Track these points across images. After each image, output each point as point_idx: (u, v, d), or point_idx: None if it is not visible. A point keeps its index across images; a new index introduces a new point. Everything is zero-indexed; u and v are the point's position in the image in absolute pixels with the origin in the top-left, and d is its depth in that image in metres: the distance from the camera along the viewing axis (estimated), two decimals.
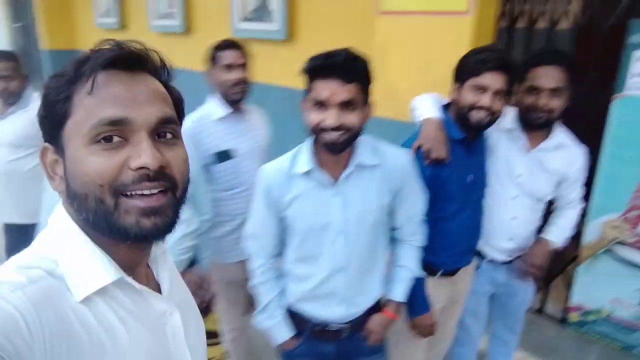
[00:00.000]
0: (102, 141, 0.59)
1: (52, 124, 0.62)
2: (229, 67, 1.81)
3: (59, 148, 0.63)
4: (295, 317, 1.49)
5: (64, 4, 6.49)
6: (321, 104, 1.22)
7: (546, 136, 1.68)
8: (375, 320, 1.48)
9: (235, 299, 2.08)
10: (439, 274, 1.68)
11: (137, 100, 0.61)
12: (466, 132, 1.56)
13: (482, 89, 1.46)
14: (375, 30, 2.35)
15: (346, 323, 1.45)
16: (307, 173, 1.33)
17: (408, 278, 1.51)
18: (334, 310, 1.43)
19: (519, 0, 2.26)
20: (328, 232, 1.35)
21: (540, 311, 2.70)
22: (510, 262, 1.81)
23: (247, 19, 3.57)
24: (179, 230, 1.56)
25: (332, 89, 1.19)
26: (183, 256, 1.73)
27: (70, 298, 0.59)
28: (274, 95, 3.24)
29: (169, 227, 0.64)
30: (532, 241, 1.80)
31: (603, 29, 2.07)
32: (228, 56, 1.82)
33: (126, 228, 0.60)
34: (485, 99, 1.45)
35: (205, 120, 1.86)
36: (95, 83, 0.59)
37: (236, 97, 1.85)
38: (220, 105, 1.88)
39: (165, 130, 0.64)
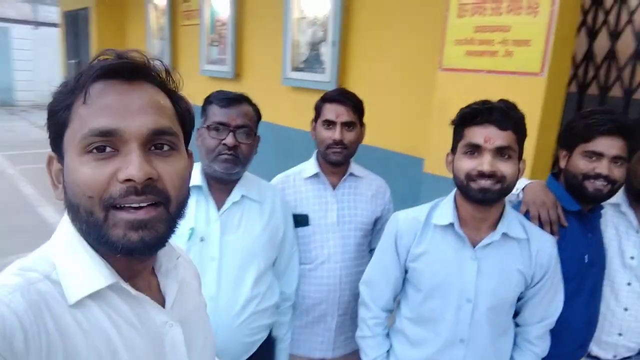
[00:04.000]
0: (95, 151, 0.59)
1: (54, 132, 0.63)
2: (329, 123, 1.57)
3: (61, 157, 0.63)
4: None
5: (119, 45, 6.82)
6: (474, 150, 1.17)
7: None
8: None
9: None
10: None
11: (129, 111, 0.60)
12: (584, 204, 1.40)
13: (596, 156, 1.31)
14: (436, 87, 2.27)
15: None
16: (446, 227, 1.25)
17: None
18: None
19: (592, 64, 2.16)
20: (456, 296, 1.24)
21: None
22: None
23: (298, 69, 3.59)
24: (252, 305, 1.37)
25: (488, 134, 1.15)
26: (253, 337, 1.40)
27: (66, 302, 0.59)
28: None
29: (158, 241, 0.63)
30: None
31: None
32: (330, 110, 1.57)
33: (114, 241, 0.60)
34: (602, 167, 1.30)
35: (295, 176, 1.67)
36: (88, 93, 0.59)
37: (332, 160, 1.58)
38: (313, 163, 1.65)
39: (162, 142, 0.62)
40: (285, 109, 3.70)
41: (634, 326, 1.47)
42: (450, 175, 2.23)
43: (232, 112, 1.34)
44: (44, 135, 0.68)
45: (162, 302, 0.72)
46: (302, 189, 1.65)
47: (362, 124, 1.65)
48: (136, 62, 0.62)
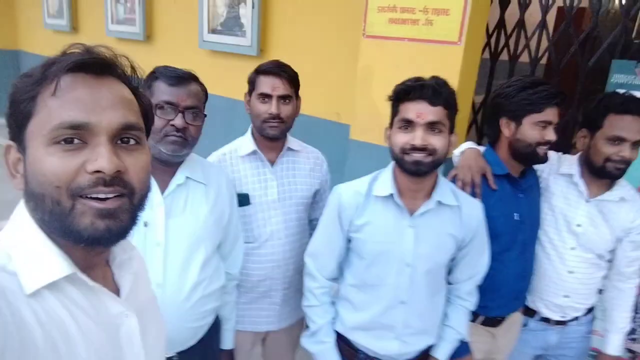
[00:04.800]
0: (62, 142, 0.60)
1: (17, 122, 0.63)
2: (264, 96, 1.53)
3: (22, 147, 0.63)
4: (345, 346, 1.43)
5: (7, 2, 6.03)
6: (408, 125, 1.23)
7: (607, 186, 1.56)
8: None
9: None
10: (479, 320, 1.59)
11: (100, 105, 0.62)
12: (517, 167, 1.53)
13: (546, 124, 1.43)
14: (360, 54, 2.28)
15: None
16: (386, 198, 1.32)
17: (455, 340, 1.44)
18: (387, 345, 1.37)
19: (502, 33, 2.29)
20: (396, 262, 1.32)
21: None
22: (563, 322, 1.66)
23: (216, 31, 3.42)
24: (199, 289, 1.31)
25: (420, 109, 1.21)
26: (201, 321, 1.36)
27: (23, 293, 0.59)
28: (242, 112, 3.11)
29: (122, 231, 0.64)
30: (591, 302, 1.65)
31: (582, 67, 2.12)
32: (265, 83, 1.53)
33: (80, 230, 0.61)
34: (551, 135, 1.43)
35: (232, 154, 1.61)
36: (58, 85, 0.60)
37: (268, 134, 1.55)
38: (249, 140, 1.61)
39: (128, 136, 0.65)
40: (204, 74, 3.50)
41: (578, 288, 1.61)
42: (376, 142, 2.29)
43: (182, 92, 1.25)
44: None
45: (116, 293, 0.73)
46: (239, 167, 1.60)
47: (297, 97, 1.62)
48: (105, 57, 0.64)
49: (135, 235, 1.22)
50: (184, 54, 3.70)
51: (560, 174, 1.61)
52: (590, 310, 1.69)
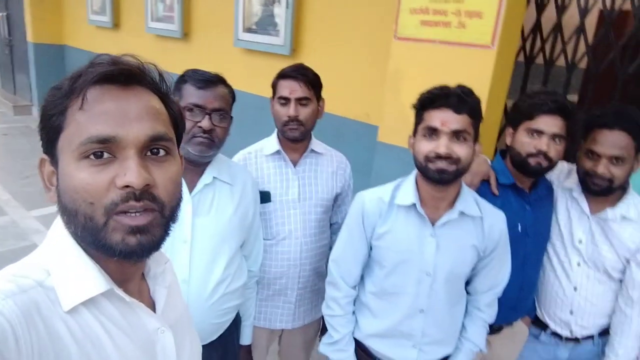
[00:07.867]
0: (92, 157, 0.59)
1: (48, 136, 0.62)
2: (283, 99, 1.57)
3: (54, 160, 0.63)
4: (362, 353, 1.44)
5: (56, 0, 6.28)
6: (432, 133, 1.22)
7: (613, 202, 1.49)
8: None
9: None
10: None
11: (127, 118, 0.60)
12: (525, 179, 1.49)
13: (537, 133, 1.40)
14: (391, 55, 2.27)
15: None
16: (408, 207, 1.32)
17: (473, 352, 1.43)
18: (405, 354, 1.38)
19: (538, 36, 2.23)
20: (416, 271, 1.32)
21: None
22: (576, 340, 1.60)
23: (250, 30, 3.47)
24: (223, 286, 1.35)
25: (444, 118, 1.20)
26: (223, 318, 1.40)
27: (59, 308, 0.59)
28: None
29: (154, 245, 0.63)
30: (606, 323, 1.57)
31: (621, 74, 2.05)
32: (284, 87, 1.56)
33: (112, 245, 0.60)
34: (542, 144, 1.39)
35: (257, 153, 1.66)
36: (85, 99, 0.59)
37: (288, 136, 1.59)
38: (274, 140, 1.65)
39: (157, 147, 0.63)
40: (238, 71, 3.58)
41: (585, 306, 1.54)
42: (404, 145, 2.27)
43: (209, 95, 1.29)
44: None
45: (152, 307, 0.73)
46: (263, 166, 1.64)
47: (319, 99, 1.64)
48: (132, 67, 0.63)
49: None
50: (219, 51, 3.77)
51: (562, 188, 1.57)
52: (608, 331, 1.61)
